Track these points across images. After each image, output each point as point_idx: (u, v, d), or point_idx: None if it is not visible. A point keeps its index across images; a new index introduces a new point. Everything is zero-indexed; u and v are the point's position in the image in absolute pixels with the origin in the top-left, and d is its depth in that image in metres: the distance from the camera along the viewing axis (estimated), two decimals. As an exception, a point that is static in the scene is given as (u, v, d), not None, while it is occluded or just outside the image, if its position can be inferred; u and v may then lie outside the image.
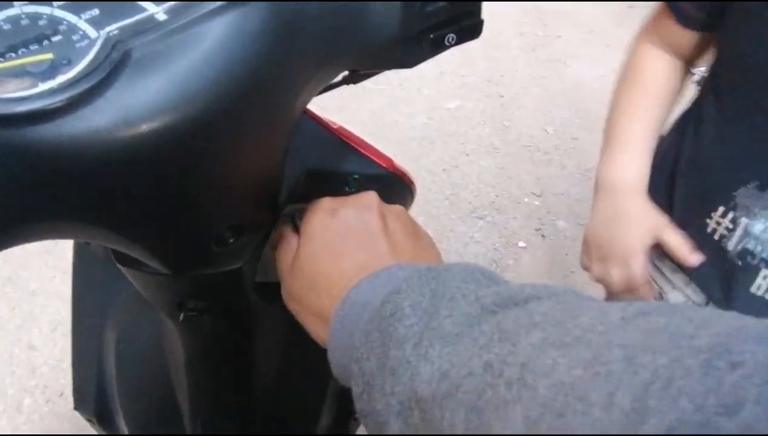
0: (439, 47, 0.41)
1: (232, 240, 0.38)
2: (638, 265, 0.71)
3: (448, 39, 0.41)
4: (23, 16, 0.30)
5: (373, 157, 0.50)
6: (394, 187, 0.52)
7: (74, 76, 0.28)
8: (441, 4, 0.39)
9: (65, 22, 0.30)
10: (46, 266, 1.66)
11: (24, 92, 0.28)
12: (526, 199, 1.93)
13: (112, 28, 0.30)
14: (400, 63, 0.41)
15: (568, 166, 2.06)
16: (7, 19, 0.30)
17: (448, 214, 1.86)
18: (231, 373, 0.53)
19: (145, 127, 0.29)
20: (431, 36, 0.40)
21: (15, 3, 0.30)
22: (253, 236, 0.40)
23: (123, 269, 0.41)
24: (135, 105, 0.28)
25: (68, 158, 0.28)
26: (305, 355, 0.54)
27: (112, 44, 0.29)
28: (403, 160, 0.51)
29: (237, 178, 0.35)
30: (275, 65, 0.33)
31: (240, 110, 0.32)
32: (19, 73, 0.29)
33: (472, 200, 1.91)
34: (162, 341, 0.56)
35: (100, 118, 0.28)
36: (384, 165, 0.50)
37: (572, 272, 1.68)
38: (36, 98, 0.28)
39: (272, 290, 0.48)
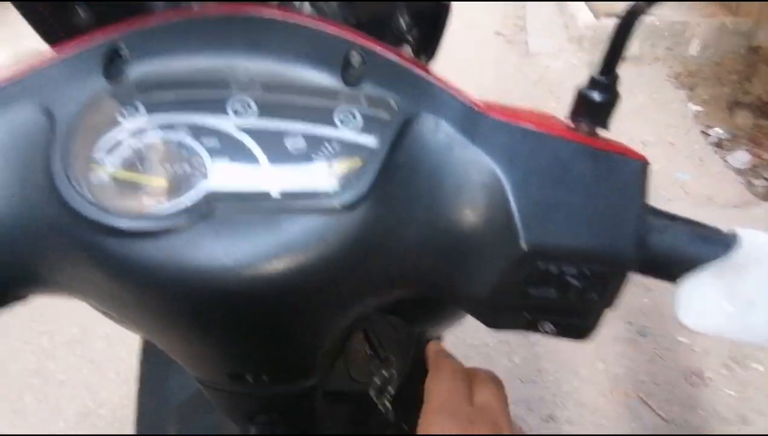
0: (532, 328, 0.36)
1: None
2: None
3: (544, 327, 0.35)
4: (181, 145, 0.32)
5: None
6: None
7: (164, 213, 0.30)
8: (549, 292, 0.33)
9: (199, 159, 0.31)
10: (74, 355, 1.67)
11: (125, 207, 0.30)
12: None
13: (227, 184, 0.31)
14: (484, 320, 0.36)
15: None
16: (164, 141, 0.32)
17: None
18: None
19: (189, 279, 0.30)
20: (526, 314, 0.35)
21: (178, 128, 0.32)
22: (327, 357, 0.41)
23: (201, 386, 0.42)
24: (192, 259, 0.30)
25: (130, 279, 0.30)
26: None
27: (207, 199, 0.30)
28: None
29: (298, 333, 0.36)
30: (346, 279, 0.32)
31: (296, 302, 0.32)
32: (134, 187, 0.31)
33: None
34: None
35: (161, 255, 0.30)
36: None
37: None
38: (128, 219, 0.30)
39: (339, 396, 0.48)
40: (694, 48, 3.21)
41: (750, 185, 2.33)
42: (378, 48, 0.34)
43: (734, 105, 2.93)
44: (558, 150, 0.32)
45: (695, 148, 2.55)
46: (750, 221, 2.00)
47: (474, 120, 0.33)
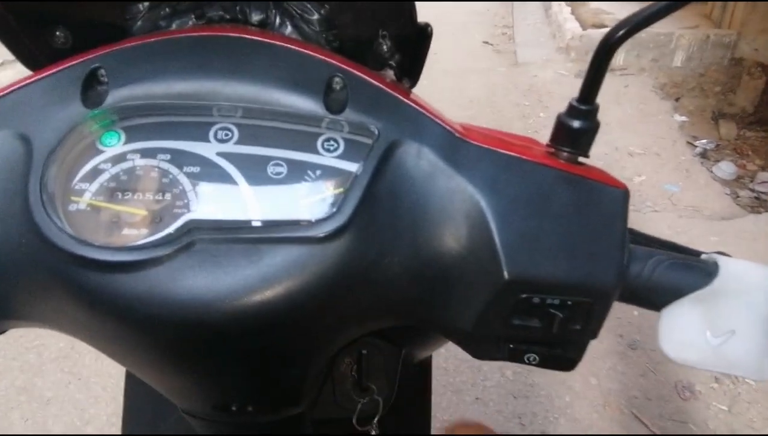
0: (516, 359, 0.35)
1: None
2: None
3: (529, 357, 0.35)
4: (162, 173, 0.31)
5: None
6: None
7: (145, 243, 0.29)
8: (532, 322, 0.32)
9: (181, 187, 0.31)
10: (62, 371, 1.64)
11: (105, 240, 0.29)
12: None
13: (208, 212, 0.30)
14: (469, 350, 0.36)
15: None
16: (145, 168, 0.31)
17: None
18: None
19: (171, 312, 0.29)
20: (510, 345, 0.34)
21: (159, 155, 0.31)
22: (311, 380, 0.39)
23: (187, 417, 0.40)
24: (173, 291, 0.29)
25: (110, 312, 0.29)
26: None
27: (188, 229, 0.30)
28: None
29: (283, 359, 0.35)
30: (331, 308, 0.31)
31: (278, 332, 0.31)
32: (114, 217, 0.30)
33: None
34: None
35: (142, 288, 0.29)
36: None
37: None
38: (108, 251, 0.29)
39: (327, 423, 0.47)
40: (678, 59, 3.26)
41: (736, 197, 2.36)
42: (360, 73, 0.34)
43: (719, 116, 2.98)
44: (540, 178, 0.32)
45: (682, 159, 2.59)
46: (736, 233, 2.04)
47: (456, 147, 0.33)
